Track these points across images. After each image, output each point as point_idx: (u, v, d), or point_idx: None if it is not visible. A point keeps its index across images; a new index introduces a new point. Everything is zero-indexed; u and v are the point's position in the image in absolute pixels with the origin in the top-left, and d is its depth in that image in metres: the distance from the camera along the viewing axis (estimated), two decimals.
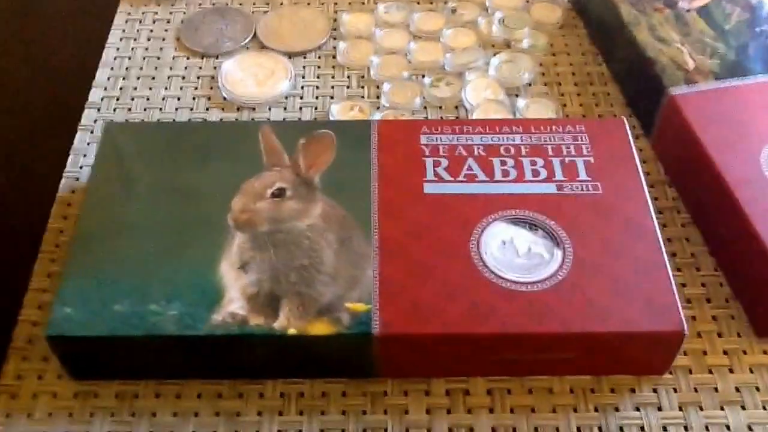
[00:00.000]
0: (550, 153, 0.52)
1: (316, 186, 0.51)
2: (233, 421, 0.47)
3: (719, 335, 0.51)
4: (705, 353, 0.50)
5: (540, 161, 0.52)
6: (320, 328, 0.45)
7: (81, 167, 0.60)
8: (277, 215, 0.49)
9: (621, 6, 0.62)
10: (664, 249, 0.48)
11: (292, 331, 0.45)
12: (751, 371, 0.49)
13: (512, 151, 0.53)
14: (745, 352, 0.50)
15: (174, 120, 0.64)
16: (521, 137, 0.54)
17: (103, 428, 0.47)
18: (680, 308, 0.45)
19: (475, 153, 0.53)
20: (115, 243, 0.50)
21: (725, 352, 0.50)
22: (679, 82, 0.56)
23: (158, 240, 0.50)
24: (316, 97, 0.65)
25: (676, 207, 0.57)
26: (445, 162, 0.52)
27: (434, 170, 0.52)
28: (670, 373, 0.49)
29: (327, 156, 0.53)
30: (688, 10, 0.62)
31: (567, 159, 0.52)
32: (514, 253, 0.48)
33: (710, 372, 0.49)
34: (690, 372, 0.49)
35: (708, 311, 0.51)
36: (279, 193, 0.50)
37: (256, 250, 0.48)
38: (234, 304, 0.46)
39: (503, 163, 0.52)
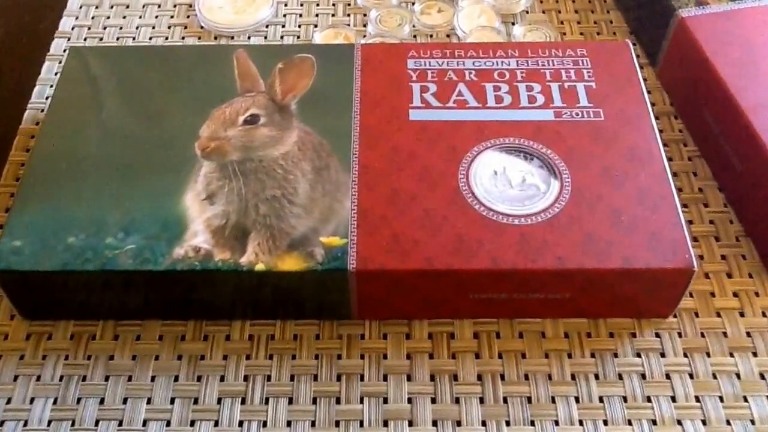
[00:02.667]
0: (549, 78, 0.48)
1: (292, 112, 0.47)
2: (197, 365, 0.44)
3: (729, 276, 0.47)
4: (713, 295, 0.46)
5: (537, 86, 0.47)
6: (291, 263, 0.41)
7: (47, 98, 0.55)
8: (249, 143, 0.45)
9: None
10: (671, 178, 0.43)
11: (260, 266, 0.41)
12: (764, 314, 0.45)
13: (507, 75, 0.48)
14: (757, 294, 0.46)
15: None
16: (517, 61, 0.49)
17: (55, 371, 0.43)
18: (689, 242, 0.40)
19: (467, 78, 0.48)
20: (72, 173, 0.46)
21: (735, 294, 0.46)
22: (689, 4, 0.51)
23: (119, 170, 0.46)
24: (299, 26, 0.60)
25: (682, 139, 0.52)
26: (433, 87, 0.47)
27: (421, 96, 0.47)
28: (675, 316, 0.45)
29: (305, 81, 0.48)
30: None
31: (567, 84, 0.47)
32: (507, 184, 0.43)
33: (718, 315, 0.45)
34: (696, 315, 0.44)
35: (717, 250, 0.47)
36: (252, 120, 0.46)
37: (224, 179, 0.44)
38: (198, 238, 0.42)
39: (497, 88, 0.47)
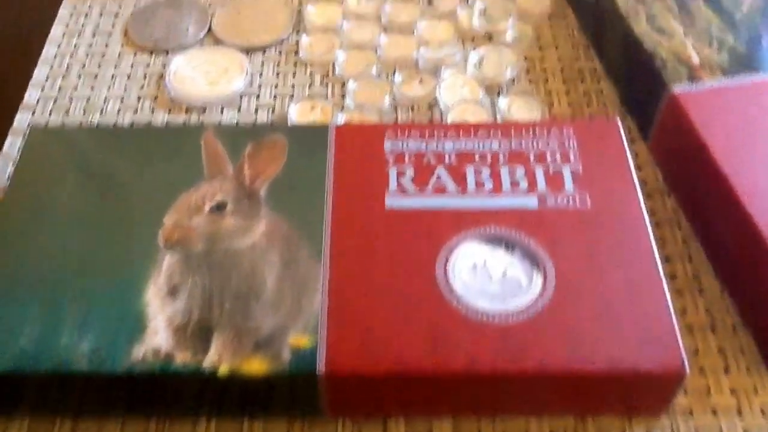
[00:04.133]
0: (533, 160, 0.45)
1: (261, 199, 0.44)
2: None
3: (726, 371, 0.44)
4: (709, 392, 0.43)
5: (520, 170, 0.44)
6: (257, 365, 0.38)
7: (8, 178, 0.51)
8: (215, 233, 0.42)
9: None
10: (662, 272, 0.41)
11: (224, 369, 0.37)
12: (763, 413, 0.41)
13: (489, 158, 0.45)
14: (756, 391, 0.42)
15: (116, 123, 0.58)
16: (499, 142, 0.46)
17: None
18: (680, 342, 0.37)
19: (446, 161, 0.45)
20: (27, 263, 0.43)
21: (732, 391, 0.43)
22: (681, 79, 0.49)
23: (78, 261, 0.43)
24: (274, 97, 0.57)
25: (676, 220, 0.49)
26: (410, 171, 0.44)
27: (398, 181, 0.44)
28: (668, 415, 0.40)
29: (275, 165, 0.45)
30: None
31: (552, 167, 0.44)
32: (487, 278, 0.40)
33: (714, 414, 0.42)
34: (691, 414, 0.42)
35: (713, 342, 0.44)
36: (218, 207, 0.43)
37: (188, 272, 0.41)
38: (159, 336, 0.39)
39: (478, 172, 0.44)
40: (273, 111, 0.57)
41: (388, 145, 0.47)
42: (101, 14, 0.66)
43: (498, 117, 0.55)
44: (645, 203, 0.45)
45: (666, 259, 0.48)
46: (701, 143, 0.46)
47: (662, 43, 0.52)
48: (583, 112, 0.56)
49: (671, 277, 0.47)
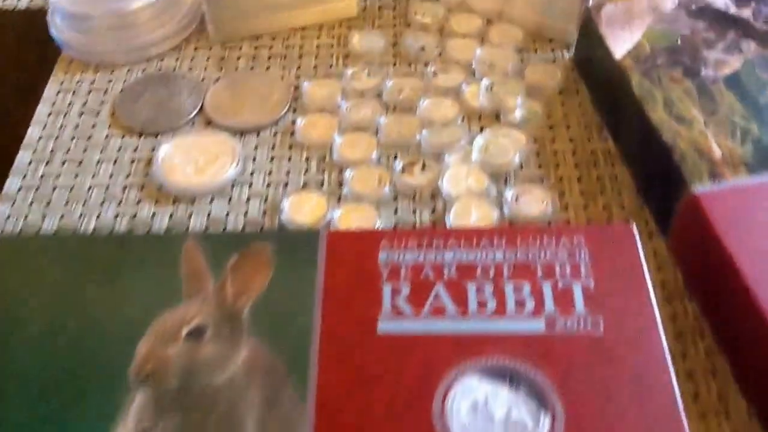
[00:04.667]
0: (540, 274, 0.41)
1: (243, 322, 0.39)
2: None
3: None
4: None
5: (526, 286, 0.40)
6: None
7: None
8: (192, 364, 0.38)
9: (631, 75, 0.50)
10: (682, 409, 0.38)
11: None
12: None
13: (492, 271, 0.41)
14: None
15: (99, 214, 0.55)
16: (504, 252, 0.42)
17: None
18: None
19: (446, 276, 0.41)
20: None
21: None
22: (702, 177, 0.44)
23: (34, 400, 0.39)
24: (268, 185, 0.53)
25: (698, 329, 0.45)
26: (406, 289, 0.40)
27: (393, 301, 0.40)
28: None
29: (261, 280, 0.41)
30: (713, 81, 0.49)
31: (561, 283, 0.40)
32: (489, 419, 0.36)
33: None
34: None
35: None
36: (196, 333, 0.39)
37: (158, 415, 0.36)
38: None
39: (480, 289, 0.40)
40: (266, 200, 0.53)
41: (383, 256, 0.43)
42: (90, 91, 0.62)
43: (505, 209, 0.50)
44: (665, 309, 0.43)
45: (688, 376, 0.44)
46: (723, 249, 0.43)
47: (681, 133, 0.47)
48: (596, 201, 0.51)
49: (694, 396, 0.42)
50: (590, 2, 0.59)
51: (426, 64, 0.62)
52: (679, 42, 0.54)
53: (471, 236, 0.44)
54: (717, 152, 0.47)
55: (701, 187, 0.45)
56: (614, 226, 0.46)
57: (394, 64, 0.63)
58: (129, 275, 0.43)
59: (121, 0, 0.62)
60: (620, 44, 0.54)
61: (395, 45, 0.64)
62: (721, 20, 0.55)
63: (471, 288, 0.42)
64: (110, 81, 0.63)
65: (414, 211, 0.52)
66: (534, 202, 0.51)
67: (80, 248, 0.46)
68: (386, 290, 0.42)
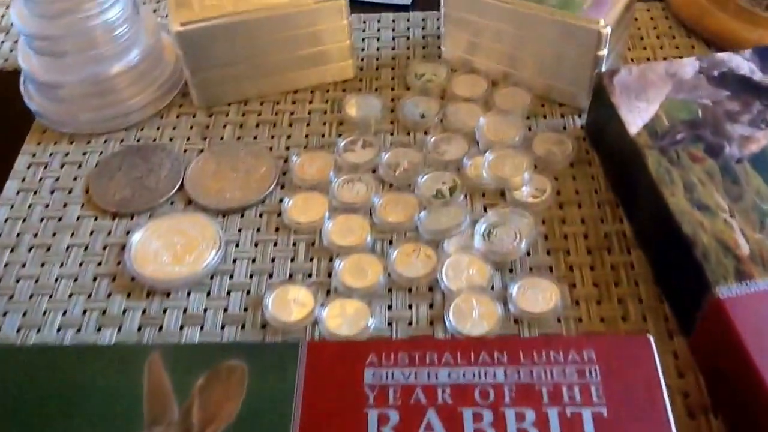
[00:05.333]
0: (546, 399, 0.36)
1: None
2: None
3: None
4: None
5: (530, 414, 0.35)
6: None
7: None
8: None
9: (647, 154, 0.45)
10: None
11: None
12: None
13: (491, 395, 0.36)
14: None
15: (66, 311, 0.51)
16: (505, 371, 0.37)
17: None
18: None
19: (439, 399, 0.36)
20: None
21: None
22: (727, 277, 0.39)
23: None
24: (250, 276, 0.48)
25: None
26: (395, 416, 0.36)
27: (379, 430, 0.34)
28: None
29: (231, 406, 0.37)
30: (738, 160, 0.44)
31: (569, 410, 0.35)
32: None
33: None
34: None
35: None
36: None
37: None
38: None
39: (478, 417, 0.36)
40: (248, 293, 0.48)
41: (369, 374, 0.38)
42: (63, 165, 0.57)
43: (510, 305, 0.45)
44: (688, 427, 0.39)
45: None
46: (749, 360, 0.39)
47: (703, 224, 0.42)
48: (610, 293, 0.46)
49: None
50: (602, 67, 0.53)
51: (426, 132, 0.57)
52: (700, 114, 0.48)
53: (468, 349, 0.39)
54: (744, 247, 0.41)
55: (726, 290, 0.40)
56: (629, 339, 0.41)
57: (392, 133, 0.57)
58: (88, 395, 0.39)
59: (97, 65, 0.58)
60: (635, 117, 0.48)
61: (393, 111, 0.58)
62: (746, 89, 0.49)
63: (467, 417, 0.37)
64: (85, 153, 0.58)
65: (410, 306, 0.47)
66: (542, 297, 0.46)
67: (38, 360, 0.40)
68: (372, 417, 0.37)
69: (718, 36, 0.62)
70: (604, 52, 0.53)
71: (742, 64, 0.51)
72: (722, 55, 0.52)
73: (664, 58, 0.62)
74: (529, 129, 0.57)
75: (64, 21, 0.55)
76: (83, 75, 0.57)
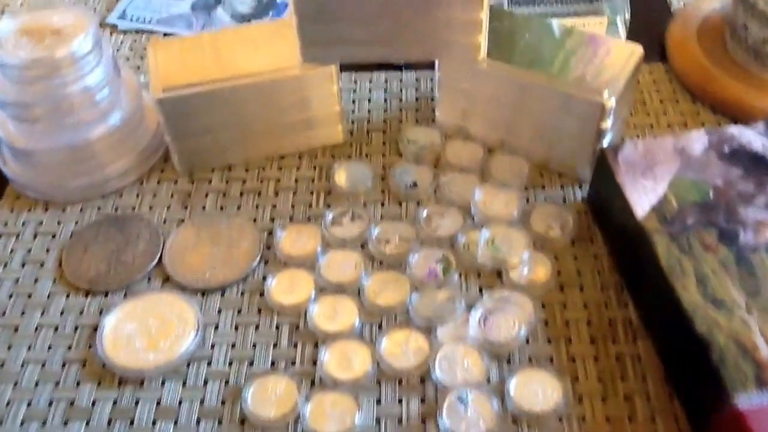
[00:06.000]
0: None
1: None
2: None
3: None
4: None
5: None
6: None
7: None
8: None
9: (656, 240, 0.42)
10: None
11: None
12: None
13: None
14: None
15: (31, 401, 0.47)
16: None
17: None
18: None
19: None
20: None
21: None
22: (747, 384, 0.37)
23: None
24: (230, 363, 0.46)
25: None
26: None
27: None
28: None
29: None
30: (753, 249, 0.41)
31: None
32: None
33: None
34: None
35: None
36: None
37: None
38: None
39: None
40: (227, 383, 0.44)
41: None
42: (36, 235, 0.53)
43: (508, 402, 0.42)
44: None
45: None
46: None
47: (719, 323, 0.39)
48: (616, 388, 0.43)
49: None
50: (606, 139, 0.50)
51: (419, 203, 0.53)
52: (711, 196, 0.45)
53: None
54: (764, 350, 0.38)
55: (746, 399, 0.37)
56: None
57: (383, 203, 0.54)
58: None
59: (75, 131, 0.55)
60: (642, 198, 0.45)
61: (384, 179, 0.55)
62: (759, 167, 0.47)
63: None
64: (60, 222, 0.55)
65: (400, 401, 0.44)
66: (542, 392, 0.43)
67: None
68: None
69: (725, 103, 0.59)
70: (607, 125, 0.50)
71: (754, 139, 0.48)
72: (732, 129, 0.49)
73: (668, 125, 0.59)
74: (527, 201, 0.54)
75: (40, 87, 0.52)
76: (60, 142, 0.54)
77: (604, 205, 0.49)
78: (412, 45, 0.51)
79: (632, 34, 0.63)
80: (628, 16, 0.64)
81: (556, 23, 0.54)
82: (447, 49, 0.51)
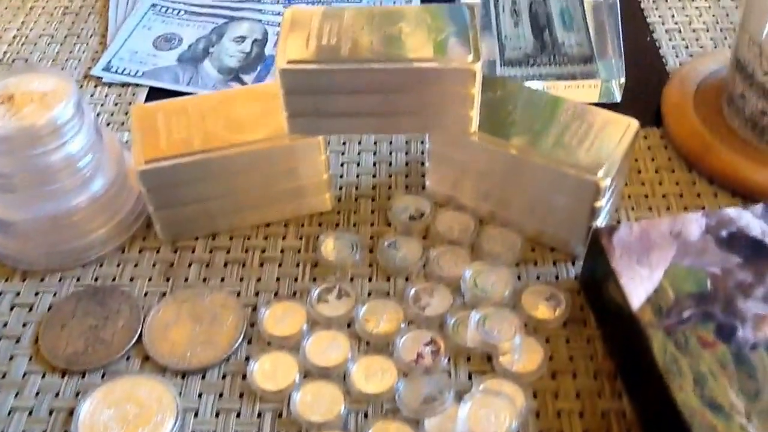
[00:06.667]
0: None
1: None
2: None
3: None
4: None
5: None
6: None
7: None
8: None
9: (651, 334, 0.41)
10: None
11: None
12: None
13: None
14: None
15: None
16: None
17: None
18: None
19: None
20: None
21: None
22: None
23: None
24: None
25: None
26: None
27: None
28: None
29: None
30: (753, 346, 0.40)
31: None
32: None
33: None
34: None
35: None
36: None
37: None
38: None
39: None
40: None
41: None
42: (12, 307, 0.52)
43: None
44: None
45: None
46: None
47: (717, 429, 0.36)
48: None
49: None
50: (600, 216, 0.48)
51: (407, 278, 0.51)
52: (708, 286, 0.43)
53: None
54: None
55: None
56: None
57: (370, 278, 0.52)
58: None
59: (56, 200, 0.54)
60: (638, 287, 0.44)
61: (372, 251, 0.53)
62: (758, 254, 0.45)
63: None
64: (38, 293, 0.53)
65: None
66: None
67: None
68: None
69: (722, 174, 0.57)
70: (602, 203, 0.48)
71: (753, 223, 0.47)
72: (730, 212, 0.48)
73: (663, 196, 0.58)
74: (519, 278, 0.52)
75: (20, 157, 0.50)
76: (41, 211, 0.53)
77: (598, 286, 0.48)
78: (402, 118, 0.50)
79: (627, 97, 0.62)
80: (623, 80, 0.62)
81: (550, 94, 0.53)
82: (438, 122, 0.50)
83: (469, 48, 0.47)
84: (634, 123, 0.51)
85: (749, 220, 0.48)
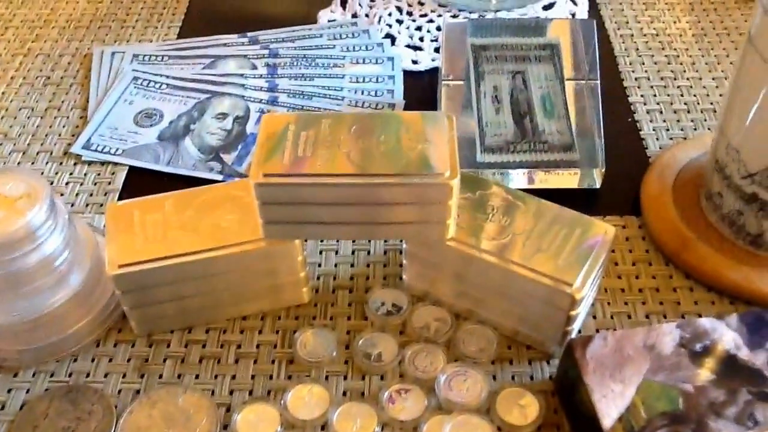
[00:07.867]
0: None
1: None
2: None
3: None
4: None
5: None
6: None
7: None
8: None
9: None
10: None
11: None
12: None
13: None
14: None
15: None
16: None
17: None
18: None
19: None
20: None
21: None
22: None
23: None
24: None
25: None
26: None
27: None
28: None
29: None
30: None
31: None
32: None
33: None
34: None
35: None
36: None
37: None
38: None
39: None
40: None
41: None
42: None
43: None
44: None
45: None
46: None
47: None
48: None
49: None
50: (576, 324, 0.48)
51: (382, 377, 0.51)
52: (680, 405, 0.44)
53: None
54: None
55: None
56: None
57: (345, 377, 0.52)
58: None
59: (30, 301, 0.54)
60: (610, 405, 0.44)
61: (348, 347, 0.53)
62: (731, 370, 0.45)
63: None
64: (11, 390, 0.53)
65: None
66: None
67: None
68: None
69: (699, 270, 0.57)
70: (577, 312, 0.48)
71: (727, 335, 0.47)
72: (705, 323, 0.48)
73: (640, 290, 0.58)
74: (494, 378, 0.52)
75: None
76: (16, 312, 0.51)
77: (571, 393, 0.48)
78: (379, 228, 0.50)
79: (607, 182, 0.62)
80: (603, 168, 0.62)
81: (530, 197, 0.53)
82: (415, 231, 0.50)
83: (447, 162, 0.47)
84: (610, 230, 0.51)
85: (723, 332, 0.48)
